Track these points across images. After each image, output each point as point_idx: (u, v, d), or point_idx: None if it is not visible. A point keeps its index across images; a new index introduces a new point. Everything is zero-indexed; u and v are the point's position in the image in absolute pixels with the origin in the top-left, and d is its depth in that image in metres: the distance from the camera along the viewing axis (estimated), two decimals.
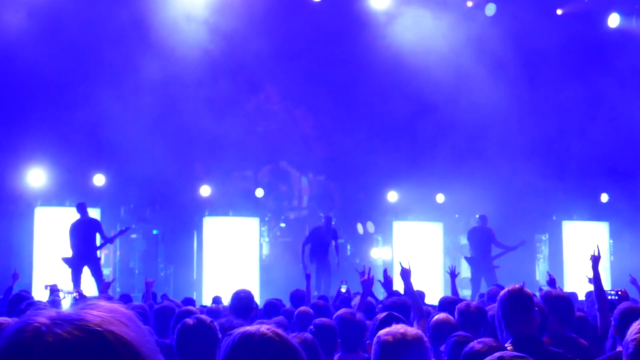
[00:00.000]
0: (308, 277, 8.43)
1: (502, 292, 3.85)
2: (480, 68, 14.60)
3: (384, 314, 4.40)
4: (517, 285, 3.91)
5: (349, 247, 15.26)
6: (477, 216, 13.76)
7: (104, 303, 1.06)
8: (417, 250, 14.46)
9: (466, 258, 13.89)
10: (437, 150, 14.81)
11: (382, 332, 2.91)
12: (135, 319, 1.07)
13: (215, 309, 6.62)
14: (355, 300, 6.74)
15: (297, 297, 7.65)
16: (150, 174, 13.34)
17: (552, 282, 7.70)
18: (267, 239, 14.76)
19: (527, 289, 3.91)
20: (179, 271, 13.89)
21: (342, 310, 4.82)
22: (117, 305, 1.08)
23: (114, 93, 12.95)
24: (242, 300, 5.64)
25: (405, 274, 5.87)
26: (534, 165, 14.44)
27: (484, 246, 13.17)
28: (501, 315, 3.77)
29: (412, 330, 2.93)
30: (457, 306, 4.91)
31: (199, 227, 13.79)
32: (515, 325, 3.73)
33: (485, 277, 12.76)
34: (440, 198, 15.86)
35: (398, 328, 2.90)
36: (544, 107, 15.79)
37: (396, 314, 4.37)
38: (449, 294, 8.39)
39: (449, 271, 8.43)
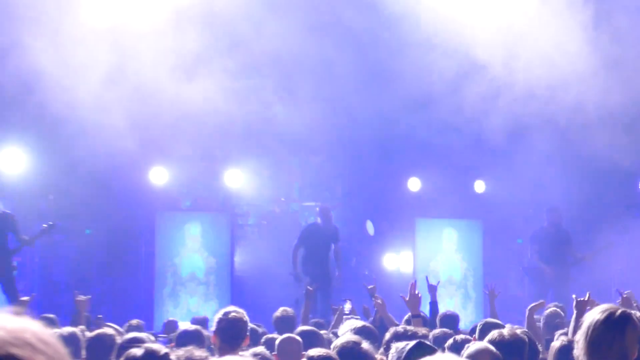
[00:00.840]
0: (308, 294, 8.50)
1: (594, 315, 3.87)
2: (545, 8, 14.39)
3: (413, 342, 4.45)
4: (616, 307, 3.95)
5: (354, 253, 15.21)
6: (527, 211, 13.58)
7: (11, 320, 1.16)
8: (448, 258, 14.43)
9: (525, 269, 13.81)
10: (480, 120, 14.63)
11: None
12: (51, 340, 1.18)
13: (196, 334, 6.57)
14: (344, 327, 6.67)
15: (284, 322, 7.93)
16: (83, 152, 13.20)
17: (627, 301, 7.80)
18: (242, 242, 14.70)
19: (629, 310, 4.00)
20: (120, 285, 13.84)
21: (342, 338, 4.87)
22: (28, 323, 1.18)
23: (43, 43, 12.81)
24: (235, 323, 5.66)
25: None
26: (616, 140, 14.27)
27: (557, 252, 13.17)
28: (588, 344, 3.79)
29: None
30: (487, 336, 5.06)
31: (149, 226, 13.76)
32: None
33: (555, 291, 12.74)
34: (479, 186, 15.72)
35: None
36: (633, 60, 15.53)
37: (428, 343, 4.50)
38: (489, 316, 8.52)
39: (487, 291, 8.88)
